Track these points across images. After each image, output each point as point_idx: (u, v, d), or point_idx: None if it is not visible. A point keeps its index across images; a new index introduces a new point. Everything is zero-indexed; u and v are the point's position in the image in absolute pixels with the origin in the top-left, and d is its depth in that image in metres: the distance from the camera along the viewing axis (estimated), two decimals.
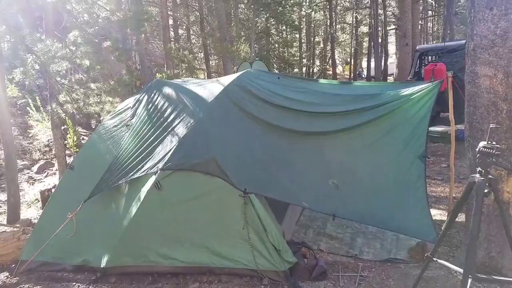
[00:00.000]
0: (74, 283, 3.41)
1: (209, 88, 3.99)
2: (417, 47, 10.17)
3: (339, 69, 31.67)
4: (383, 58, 22.19)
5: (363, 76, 26.58)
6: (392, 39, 24.04)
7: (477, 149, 1.88)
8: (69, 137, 7.44)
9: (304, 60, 22.85)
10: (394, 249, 3.66)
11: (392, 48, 22.94)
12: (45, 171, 8.08)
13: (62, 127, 7.57)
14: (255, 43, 15.99)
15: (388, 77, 20.85)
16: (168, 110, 3.88)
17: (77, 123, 9.52)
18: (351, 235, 4.01)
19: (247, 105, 3.85)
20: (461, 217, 4.24)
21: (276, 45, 18.64)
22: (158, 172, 3.34)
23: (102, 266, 3.37)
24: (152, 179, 3.34)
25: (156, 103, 4.10)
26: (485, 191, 1.78)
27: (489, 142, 1.85)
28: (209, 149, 3.37)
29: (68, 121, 7.41)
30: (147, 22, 6.34)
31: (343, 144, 3.84)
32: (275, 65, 17.42)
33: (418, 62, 9.35)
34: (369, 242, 3.85)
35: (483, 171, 1.87)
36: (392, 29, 21.70)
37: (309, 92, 4.28)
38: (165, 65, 11.56)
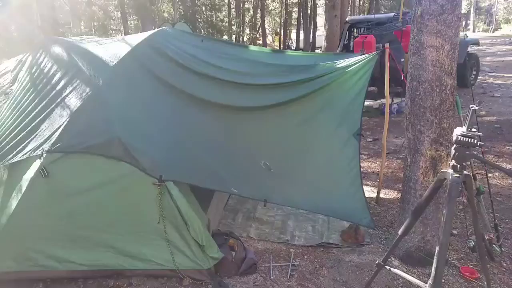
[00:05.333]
0: None
1: (112, 49, 3.23)
2: (346, 19, 10.06)
3: (269, 39, 31.22)
4: (312, 30, 22.23)
5: (292, 47, 26.54)
6: (320, 11, 24.16)
7: (454, 138, 1.54)
8: None
9: (234, 27, 21.91)
10: (326, 232, 3.42)
11: (320, 20, 23.07)
12: None
13: None
14: (179, 4, 14.63)
15: (316, 50, 21.02)
16: (57, 76, 3.10)
17: None
18: (282, 218, 3.69)
19: (161, 71, 3.19)
20: (388, 193, 4.21)
21: (203, 8, 17.32)
22: (44, 155, 2.63)
23: None
24: (37, 164, 2.63)
25: (42, 66, 3.28)
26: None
27: (469, 129, 1.50)
28: (110, 126, 2.71)
29: None
30: None
31: (275, 120, 3.44)
32: (202, 30, 16.27)
33: (347, 34, 9.26)
34: (301, 225, 3.56)
35: (458, 166, 1.54)
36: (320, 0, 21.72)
37: (238, 59, 3.77)
38: (71, 23, 9.98)
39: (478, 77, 10.07)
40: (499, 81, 10.17)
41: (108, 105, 2.83)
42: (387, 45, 3.60)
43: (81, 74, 2.98)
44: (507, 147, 5.24)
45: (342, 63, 3.54)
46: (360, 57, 3.51)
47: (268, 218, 3.70)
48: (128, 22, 14.65)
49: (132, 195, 2.68)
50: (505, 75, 11.07)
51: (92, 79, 2.92)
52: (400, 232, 1.75)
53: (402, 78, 5.62)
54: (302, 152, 3.40)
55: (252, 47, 4.42)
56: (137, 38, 3.42)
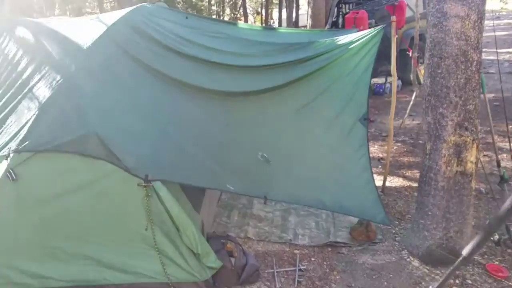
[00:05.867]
0: None
1: (85, 29, 2.80)
2: None
3: (249, 19, 30.37)
4: (295, 8, 21.59)
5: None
6: None
7: None
8: None
9: (214, 7, 21.17)
10: (332, 228, 3.14)
11: None
12: None
13: None
14: None
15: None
16: (24, 62, 2.71)
17: None
18: (281, 214, 3.38)
19: (142, 54, 2.80)
20: (393, 181, 3.94)
21: None
22: (11, 155, 2.26)
23: None
24: (3, 166, 2.27)
25: (6, 51, 2.91)
26: None
27: None
28: (86, 119, 2.33)
29: None
30: None
31: (271, 106, 3.09)
32: (181, 10, 15.58)
33: (336, 10, 8.83)
34: (303, 221, 3.27)
35: None
36: None
37: (227, 38, 3.39)
38: (43, 7, 9.26)
39: None
40: (491, 57, 9.99)
41: (83, 94, 2.43)
42: (393, 18, 3.26)
43: (50, 60, 2.57)
44: (510, 126, 5.02)
45: (343, 39, 3.19)
46: (363, 32, 3.16)
47: (266, 214, 3.39)
48: (105, 5, 13.82)
49: (114, 199, 2.34)
50: (497, 50, 10.89)
51: (63, 65, 2.53)
52: (464, 253, 1.40)
53: (410, 55, 5.36)
54: (303, 141, 3.06)
55: (242, 24, 4.03)
56: (113, 16, 2.97)
